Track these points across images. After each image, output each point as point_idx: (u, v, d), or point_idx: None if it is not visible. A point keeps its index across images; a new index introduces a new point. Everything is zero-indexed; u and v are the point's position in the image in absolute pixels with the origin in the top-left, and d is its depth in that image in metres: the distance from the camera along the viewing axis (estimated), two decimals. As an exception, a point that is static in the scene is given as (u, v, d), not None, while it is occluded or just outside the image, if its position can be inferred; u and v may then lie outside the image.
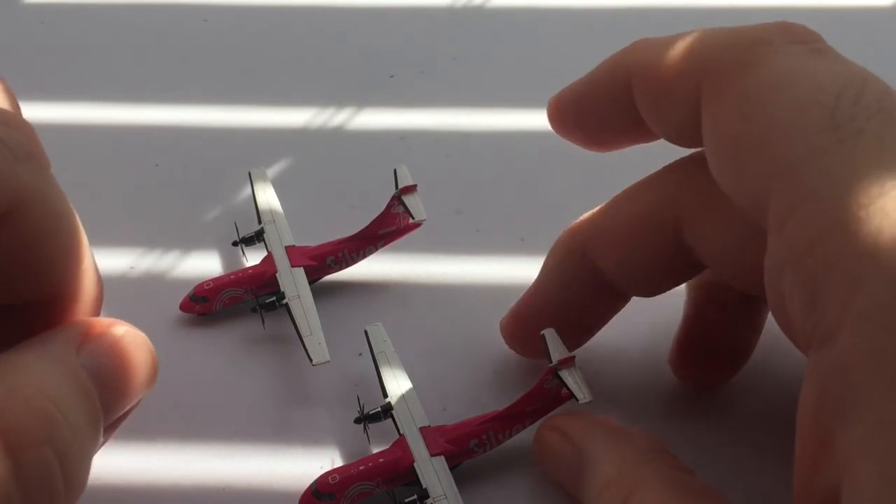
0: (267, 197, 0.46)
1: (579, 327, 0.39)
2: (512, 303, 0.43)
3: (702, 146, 0.32)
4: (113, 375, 0.30)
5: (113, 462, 0.38)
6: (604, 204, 0.38)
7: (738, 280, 0.35)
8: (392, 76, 0.55)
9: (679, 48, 0.32)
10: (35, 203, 0.29)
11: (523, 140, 0.51)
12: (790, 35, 0.31)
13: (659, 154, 0.39)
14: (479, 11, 0.59)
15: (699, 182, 0.34)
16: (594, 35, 0.57)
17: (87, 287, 0.32)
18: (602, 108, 0.36)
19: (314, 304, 0.42)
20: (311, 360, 0.40)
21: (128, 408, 0.31)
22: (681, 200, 0.35)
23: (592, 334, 0.40)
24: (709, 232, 0.34)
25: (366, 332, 0.40)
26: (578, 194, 0.48)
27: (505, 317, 0.41)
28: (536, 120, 0.52)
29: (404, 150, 0.51)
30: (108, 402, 0.30)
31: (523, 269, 0.45)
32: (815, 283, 0.26)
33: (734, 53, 0.31)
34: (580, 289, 0.38)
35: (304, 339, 0.40)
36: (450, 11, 0.59)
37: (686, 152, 0.35)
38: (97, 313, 0.33)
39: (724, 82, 0.30)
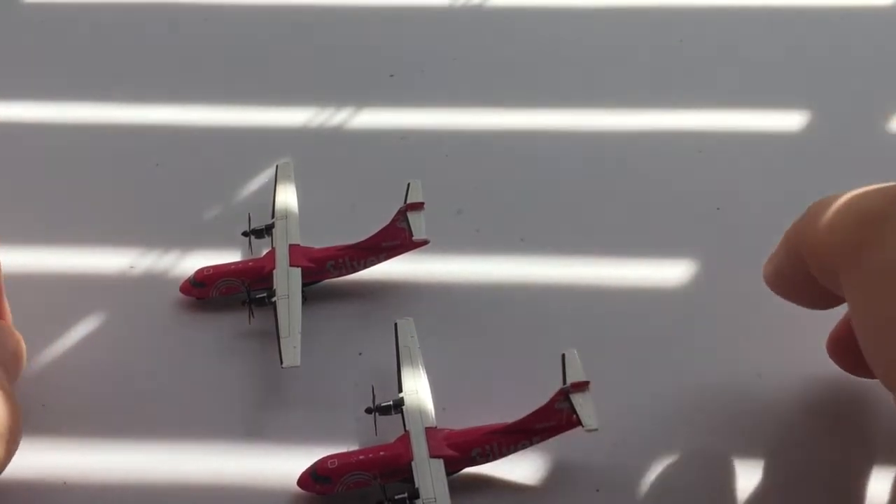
0: (286, 193, 0.46)
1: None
2: (511, 302, 0.43)
3: None
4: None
5: (111, 458, 0.39)
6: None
7: None
8: (392, 76, 0.55)
9: (825, 224, 0.33)
10: None
11: (523, 140, 0.51)
12: None
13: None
14: (479, 11, 0.59)
15: None
16: (593, 35, 0.57)
17: None
18: (795, 283, 0.36)
19: (300, 308, 0.41)
20: (281, 362, 0.40)
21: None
22: None
23: None
24: None
25: (395, 325, 0.41)
26: (578, 194, 0.49)
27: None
28: (536, 119, 0.52)
29: (404, 150, 0.51)
30: None
31: (523, 269, 0.45)
32: None
33: (859, 232, 0.31)
34: None
35: (281, 341, 0.40)
36: (450, 11, 0.59)
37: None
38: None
39: (849, 263, 0.31)
